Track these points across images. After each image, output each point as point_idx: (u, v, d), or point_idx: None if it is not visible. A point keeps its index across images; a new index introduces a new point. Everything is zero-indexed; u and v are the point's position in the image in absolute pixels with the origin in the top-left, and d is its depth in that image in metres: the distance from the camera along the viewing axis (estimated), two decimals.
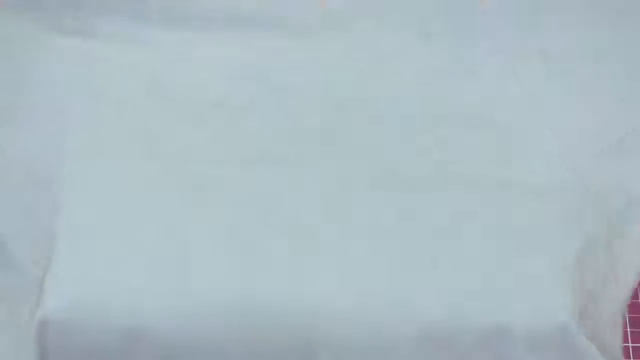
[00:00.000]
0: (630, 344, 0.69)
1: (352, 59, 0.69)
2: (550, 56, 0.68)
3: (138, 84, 0.68)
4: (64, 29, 0.70)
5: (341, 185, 0.64)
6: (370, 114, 0.66)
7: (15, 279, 0.62)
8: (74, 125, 0.67)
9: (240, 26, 0.69)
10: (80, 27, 0.70)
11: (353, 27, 0.69)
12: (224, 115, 0.67)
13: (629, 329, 0.70)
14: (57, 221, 0.63)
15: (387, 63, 0.68)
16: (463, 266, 0.61)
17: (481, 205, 0.63)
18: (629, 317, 0.70)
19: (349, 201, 0.64)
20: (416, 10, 0.69)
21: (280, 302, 0.61)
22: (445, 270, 0.61)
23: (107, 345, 0.61)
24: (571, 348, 0.59)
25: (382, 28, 0.69)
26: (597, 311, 0.61)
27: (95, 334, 0.61)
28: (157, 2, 0.70)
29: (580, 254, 0.62)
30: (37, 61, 0.69)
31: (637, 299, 0.71)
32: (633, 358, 0.68)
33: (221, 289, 0.61)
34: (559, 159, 0.64)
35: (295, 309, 0.61)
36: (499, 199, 0.64)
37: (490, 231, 0.62)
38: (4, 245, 0.62)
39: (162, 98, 0.67)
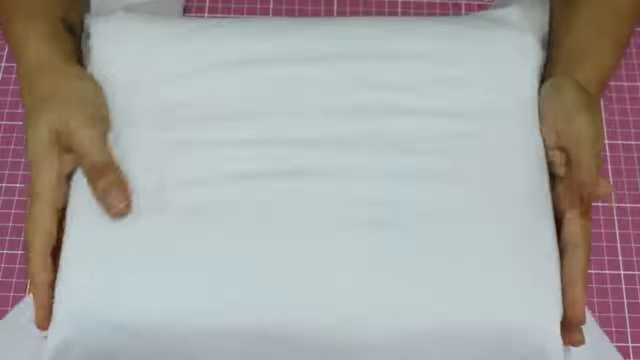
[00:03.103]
0: (630, 344, 0.69)
1: None
2: None
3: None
4: None
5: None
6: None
7: None
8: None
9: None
10: None
11: None
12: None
13: (629, 329, 0.70)
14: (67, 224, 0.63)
15: None
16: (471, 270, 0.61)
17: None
18: (629, 317, 0.70)
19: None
20: None
21: (283, 307, 0.61)
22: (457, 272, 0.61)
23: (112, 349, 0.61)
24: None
25: None
26: None
27: (101, 338, 0.61)
28: None
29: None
30: None
31: (637, 299, 0.71)
32: (633, 358, 0.68)
33: (224, 296, 0.61)
34: None
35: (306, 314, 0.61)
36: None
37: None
38: None
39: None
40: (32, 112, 0.62)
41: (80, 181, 0.64)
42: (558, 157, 0.66)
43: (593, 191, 0.62)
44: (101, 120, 0.64)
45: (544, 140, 0.66)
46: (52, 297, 0.61)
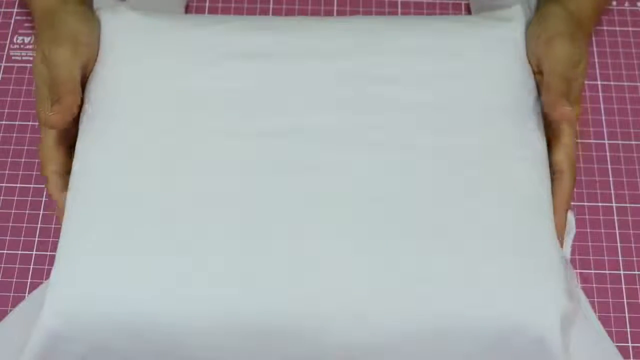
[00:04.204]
0: (630, 344, 0.69)
1: None
2: None
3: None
4: None
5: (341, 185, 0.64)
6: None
7: None
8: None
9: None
10: None
11: None
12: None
13: (628, 329, 0.70)
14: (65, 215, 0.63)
15: None
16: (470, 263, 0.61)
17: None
18: (629, 317, 0.70)
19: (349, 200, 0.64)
20: None
21: (283, 303, 0.61)
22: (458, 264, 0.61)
23: (107, 346, 0.61)
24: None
25: None
26: None
27: (95, 334, 0.61)
28: None
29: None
30: None
31: (637, 299, 0.71)
32: (633, 358, 0.68)
33: (222, 291, 0.61)
34: None
35: (299, 309, 0.60)
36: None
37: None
38: None
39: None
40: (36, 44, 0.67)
41: (75, 181, 0.64)
42: (540, 82, 0.68)
43: (555, 115, 0.63)
44: (82, 50, 0.66)
45: (531, 66, 0.68)
46: None
